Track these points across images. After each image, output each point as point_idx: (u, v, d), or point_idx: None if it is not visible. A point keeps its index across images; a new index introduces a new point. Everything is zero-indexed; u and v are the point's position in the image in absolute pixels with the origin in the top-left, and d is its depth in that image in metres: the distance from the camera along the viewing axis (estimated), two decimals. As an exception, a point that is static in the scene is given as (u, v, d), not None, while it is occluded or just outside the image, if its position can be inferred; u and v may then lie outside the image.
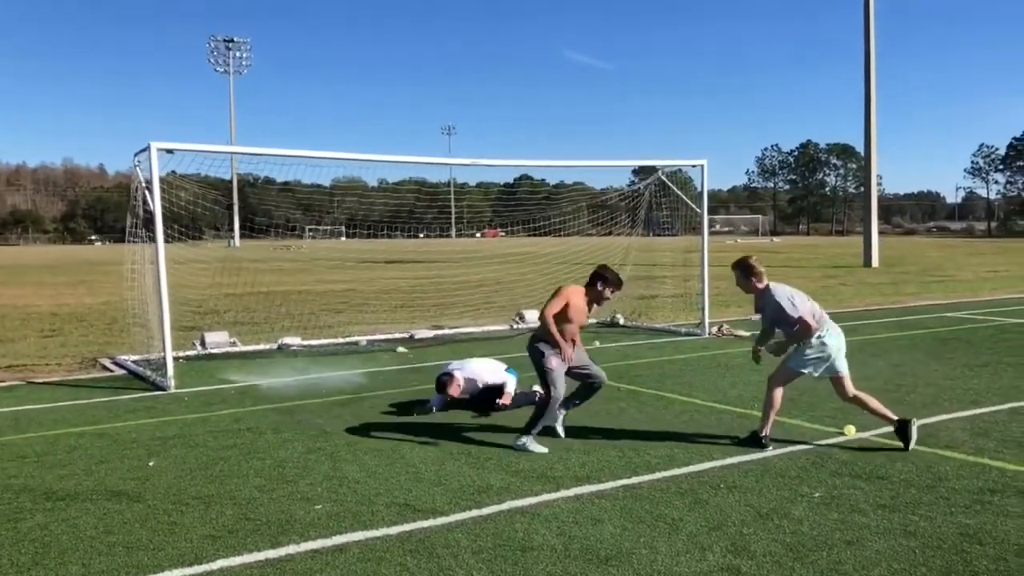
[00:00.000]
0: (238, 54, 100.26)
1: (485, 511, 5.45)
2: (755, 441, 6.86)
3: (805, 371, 6.80)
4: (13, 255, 74.61)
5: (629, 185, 19.05)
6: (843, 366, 6.83)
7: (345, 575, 4.47)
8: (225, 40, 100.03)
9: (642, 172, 18.64)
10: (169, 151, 10.50)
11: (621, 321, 15.74)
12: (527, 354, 7.29)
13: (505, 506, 5.54)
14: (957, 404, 8.34)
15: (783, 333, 6.90)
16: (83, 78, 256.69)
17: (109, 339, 14.88)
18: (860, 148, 45.05)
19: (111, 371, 11.50)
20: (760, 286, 6.93)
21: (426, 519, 5.30)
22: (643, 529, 5.06)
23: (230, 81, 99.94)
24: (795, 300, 6.72)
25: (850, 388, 6.90)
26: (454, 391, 8.35)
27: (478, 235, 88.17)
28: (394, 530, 5.12)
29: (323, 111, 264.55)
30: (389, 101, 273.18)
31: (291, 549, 4.84)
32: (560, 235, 21.19)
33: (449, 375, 8.45)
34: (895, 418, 6.79)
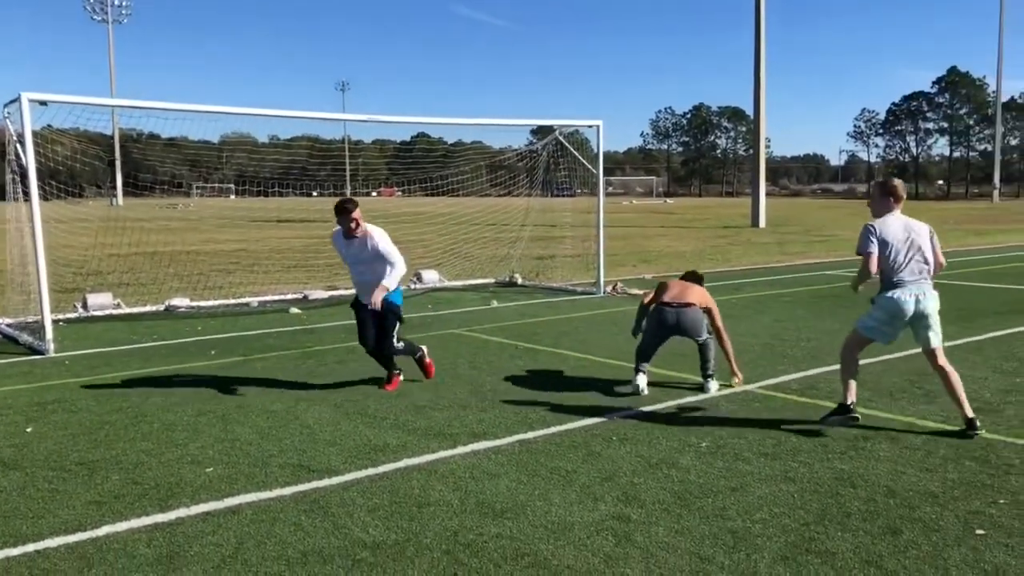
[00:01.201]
0: (116, 1, 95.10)
1: (381, 469, 5.44)
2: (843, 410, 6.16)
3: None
4: None
5: (527, 145, 19.10)
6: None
7: (238, 536, 4.40)
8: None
9: (540, 132, 18.70)
10: (42, 103, 9.92)
11: (519, 281, 15.85)
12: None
13: (401, 464, 5.55)
14: (836, 357, 8.74)
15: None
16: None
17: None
18: (750, 111, 46.26)
19: (-17, 335, 10.90)
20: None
21: (321, 479, 5.27)
22: (538, 482, 5.16)
23: (109, 31, 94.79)
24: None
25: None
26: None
27: (374, 194, 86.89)
28: (288, 490, 5.07)
29: (211, 65, 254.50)
30: (280, 55, 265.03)
31: (181, 512, 4.73)
32: (458, 195, 21.09)
33: None
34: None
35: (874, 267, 5.92)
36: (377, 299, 7.19)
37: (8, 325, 11.09)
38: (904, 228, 6.00)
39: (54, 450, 5.92)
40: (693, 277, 8.02)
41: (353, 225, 7.30)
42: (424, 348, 7.98)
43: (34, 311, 10.30)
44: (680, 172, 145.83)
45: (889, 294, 5.96)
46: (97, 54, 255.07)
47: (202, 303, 13.19)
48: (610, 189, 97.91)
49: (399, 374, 7.76)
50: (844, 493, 4.91)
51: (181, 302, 12.91)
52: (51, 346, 9.49)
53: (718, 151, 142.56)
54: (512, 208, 18.49)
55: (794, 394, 7.26)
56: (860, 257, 6.07)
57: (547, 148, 16.21)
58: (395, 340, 7.57)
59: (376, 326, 7.49)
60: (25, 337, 10.13)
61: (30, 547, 4.29)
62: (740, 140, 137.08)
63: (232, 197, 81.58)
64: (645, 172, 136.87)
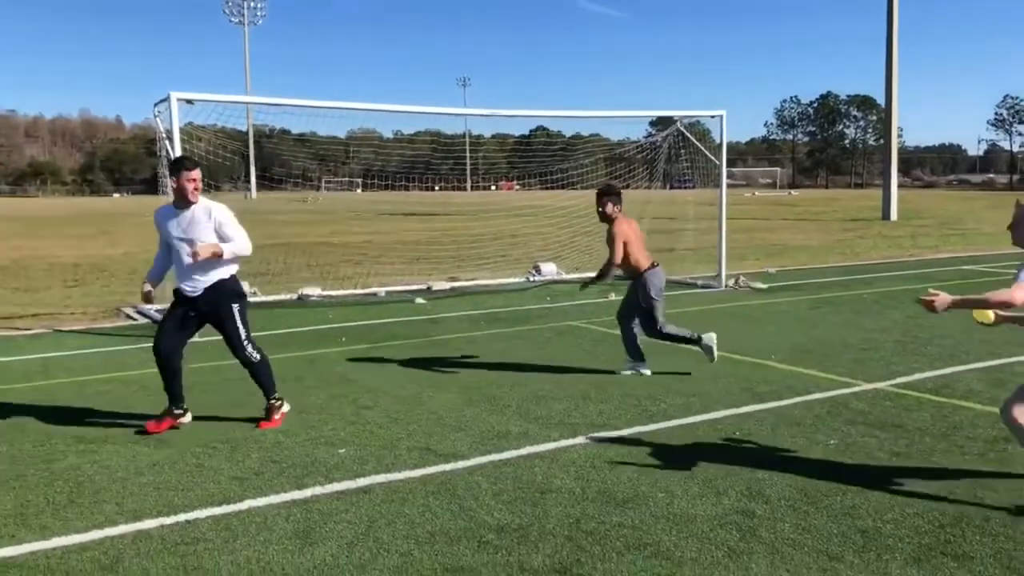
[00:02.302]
0: (253, 4, 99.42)
1: (505, 455, 5.56)
2: None
3: None
4: (33, 207, 75.13)
5: (646, 137, 18.95)
6: None
7: (370, 515, 4.59)
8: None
9: (660, 123, 18.55)
10: (189, 101, 10.55)
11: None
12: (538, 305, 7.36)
13: (524, 451, 5.65)
14: (973, 355, 8.35)
15: None
16: (99, 29, 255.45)
17: (131, 289, 15.04)
18: (881, 99, 44.36)
19: (134, 320, 11.68)
20: None
21: (447, 463, 5.43)
22: (659, 474, 5.16)
23: (245, 32, 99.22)
24: None
25: None
26: None
27: (493, 188, 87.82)
28: (416, 473, 5.25)
29: (338, 64, 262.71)
30: (403, 53, 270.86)
31: (316, 490, 4.98)
32: (577, 188, 21.07)
33: None
34: None
35: None
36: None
37: (157, 311, 11.82)
38: None
39: (199, 428, 6.31)
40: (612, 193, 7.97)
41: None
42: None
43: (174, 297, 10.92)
44: (805, 163, 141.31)
45: None
46: (233, 55, 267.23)
47: (332, 292, 13.72)
48: (732, 181, 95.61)
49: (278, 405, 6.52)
50: (983, 495, 4.71)
51: (313, 291, 13.46)
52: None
53: (846, 141, 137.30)
54: (631, 201, 18.38)
55: (928, 393, 6.98)
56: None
57: (668, 139, 16.03)
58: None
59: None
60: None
61: (181, 517, 4.61)
62: (870, 129, 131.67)
63: (359, 191, 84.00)
64: (769, 163, 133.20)
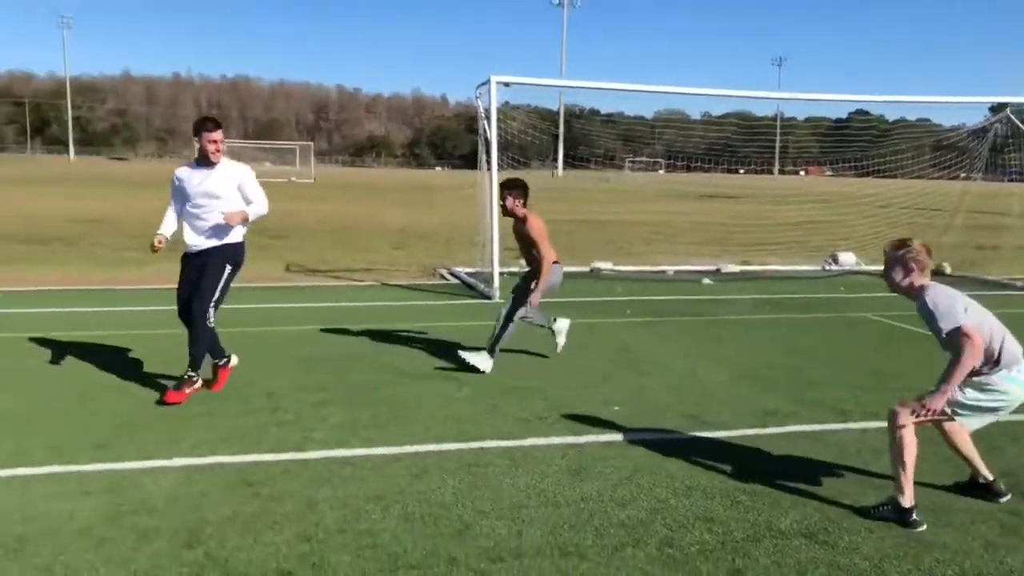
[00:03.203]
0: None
1: (768, 431, 5.80)
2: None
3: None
4: (369, 177, 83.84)
5: (981, 123, 17.47)
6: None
7: (634, 464, 5.08)
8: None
9: (999, 109, 16.98)
10: (506, 84, 11.55)
11: (947, 271, 14.74)
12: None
13: (788, 428, 5.85)
14: None
15: None
16: (431, 11, 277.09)
17: (447, 253, 16.70)
18: None
19: (447, 280, 13.07)
20: None
21: (712, 431, 5.77)
22: (926, 466, 5.12)
23: (563, 15, 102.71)
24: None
25: None
26: None
27: (801, 173, 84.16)
28: (681, 436, 5.66)
29: (652, 42, 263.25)
30: (718, 32, 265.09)
31: (590, 438, 5.56)
32: (894, 176, 19.94)
33: None
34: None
35: None
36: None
37: (467, 273, 13.14)
38: None
39: (494, 374, 7.15)
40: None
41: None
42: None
43: (486, 264, 12.10)
44: None
45: None
46: (551, 37, 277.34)
47: (623, 268, 14.34)
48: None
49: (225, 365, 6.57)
50: None
51: (604, 265, 14.17)
52: (497, 293, 11.15)
53: None
54: (946, 192, 17.13)
55: None
56: None
57: (995, 128, 14.75)
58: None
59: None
60: (480, 285, 11.96)
61: (475, 444, 5.39)
62: None
63: (661, 172, 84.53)
64: None
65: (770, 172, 74.74)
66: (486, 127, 11.57)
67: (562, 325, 7.77)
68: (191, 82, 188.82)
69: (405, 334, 8.79)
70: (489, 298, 11.13)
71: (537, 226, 7.25)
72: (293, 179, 61.83)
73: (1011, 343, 4.45)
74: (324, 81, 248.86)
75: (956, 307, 4.37)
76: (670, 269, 14.35)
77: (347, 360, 7.55)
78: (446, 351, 7.99)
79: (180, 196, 6.34)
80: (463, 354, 7.30)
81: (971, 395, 4.38)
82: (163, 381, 6.63)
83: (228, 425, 5.67)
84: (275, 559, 3.81)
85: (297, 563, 3.77)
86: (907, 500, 4.34)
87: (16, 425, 5.56)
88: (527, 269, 7.61)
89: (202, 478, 4.74)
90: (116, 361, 7.28)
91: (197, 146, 6.26)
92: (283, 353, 7.77)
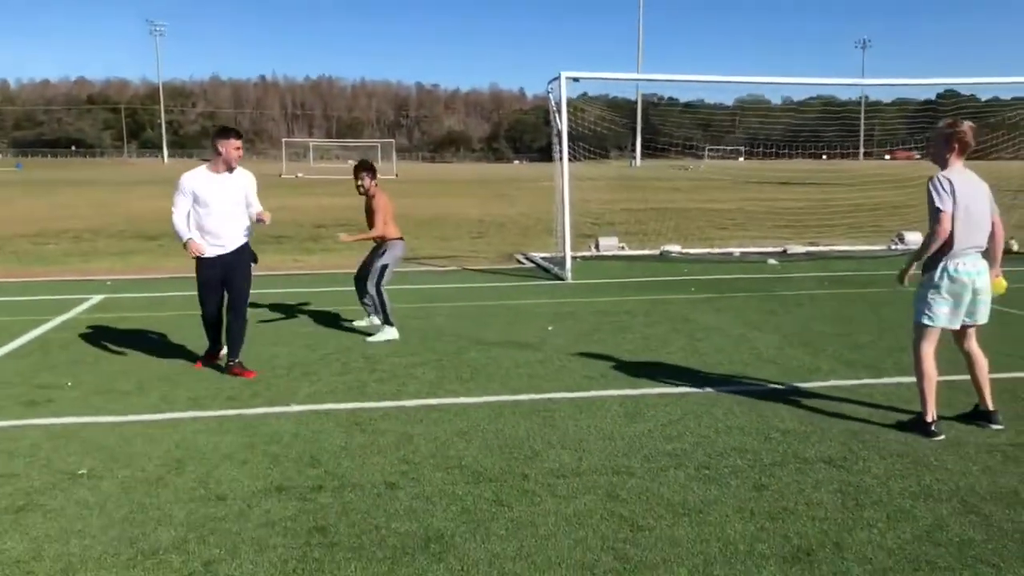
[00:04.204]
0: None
1: (809, 384, 6.48)
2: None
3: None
4: (448, 171, 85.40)
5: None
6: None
7: (683, 411, 5.84)
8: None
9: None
10: (576, 80, 12.33)
11: (1015, 248, 14.91)
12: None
13: (828, 383, 6.52)
14: None
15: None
16: (506, 6, 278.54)
17: (523, 241, 17.60)
18: None
19: (523, 264, 13.95)
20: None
21: (757, 386, 6.48)
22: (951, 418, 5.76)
23: (640, 4, 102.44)
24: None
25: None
26: None
27: (887, 157, 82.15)
28: (727, 388, 6.39)
29: (731, 28, 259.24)
30: (800, 15, 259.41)
31: (645, 391, 6.34)
32: (988, 159, 19.93)
33: None
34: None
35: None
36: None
37: (542, 258, 13.98)
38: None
39: (563, 342, 7.97)
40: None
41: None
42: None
43: (559, 249, 12.92)
44: None
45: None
46: (629, 25, 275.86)
47: (691, 250, 14.98)
48: None
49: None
50: None
51: (673, 248, 14.83)
52: (569, 275, 11.96)
53: None
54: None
55: None
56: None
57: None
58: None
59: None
60: (554, 268, 12.79)
61: (544, 395, 6.24)
62: None
63: (741, 159, 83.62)
64: None
65: (855, 157, 73.34)
66: (557, 120, 12.37)
67: (389, 333, 8.20)
68: (276, 84, 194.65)
69: (484, 310, 9.68)
70: (562, 279, 11.94)
71: (383, 203, 8.17)
72: (376, 175, 63.62)
73: (963, 236, 5.15)
74: (404, 79, 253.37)
75: (945, 196, 5.11)
76: (736, 251, 14.92)
77: (433, 332, 8.48)
78: (522, 324, 8.85)
79: (198, 202, 6.60)
80: (371, 339, 8.09)
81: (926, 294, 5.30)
82: (276, 348, 7.68)
83: (334, 381, 6.65)
84: (381, 474, 4.72)
85: (399, 477, 4.68)
86: (928, 415, 5.30)
87: (160, 383, 6.64)
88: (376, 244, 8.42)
89: (317, 420, 5.70)
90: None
91: (220, 153, 6.59)
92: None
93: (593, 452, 5.05)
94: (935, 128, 5.44)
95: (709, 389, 6.38)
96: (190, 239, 6.60)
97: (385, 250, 8.26)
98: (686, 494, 4.42)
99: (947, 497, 4.37)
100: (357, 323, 8.77)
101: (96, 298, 10.49)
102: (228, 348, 7.00)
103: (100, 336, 8.30)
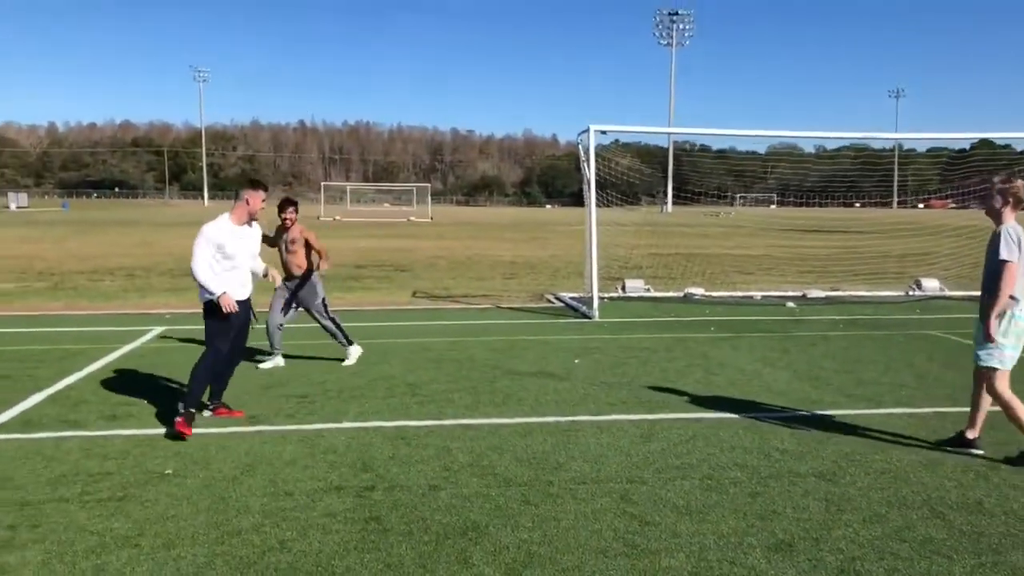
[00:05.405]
0: (681, 26, 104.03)
1: (811, 412, 7.12)
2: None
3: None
4: (482, 215, 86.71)
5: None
6: None
7: (694, 433, 6.51)
8: (670, 13, 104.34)
9: None
10: (603, 132, 13.16)
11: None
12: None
13: (827, 412, 7.15)
14: None
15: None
16: (540, 54, 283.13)
17: (553, 282, 18.36)
18: None
19: (553, 303, 14.69)
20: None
21: (764, 412, 7.13)
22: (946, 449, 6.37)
23: (672, 53, 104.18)
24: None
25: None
26: None
27: (920, 205, 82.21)
28: (737, 415, 7.04)
29: (762, 74, 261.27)
30: (831, 64, 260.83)
31: (661, 416, 7.00)
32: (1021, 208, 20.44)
33: None
34: None
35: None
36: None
37: (571, 298, 14.72)
38: None
39: (589, 373, 8.67)
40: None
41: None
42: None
43: (588, 290, 13.65)
44: None
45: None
46: (661, 74, 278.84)
47: (714, 293, 15.64)
48: None
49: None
50: None
51: (697, 291, 15.49)
52: (596, 313, 12.68)
53: None
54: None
55: None
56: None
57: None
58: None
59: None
60: (582, 307, 13.51)
61: (569, 418, 6.93)
62: None
63: (773, 207, 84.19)
64: None
65: (888, 205, 73.53)
66: (586, 169, 13.18)
67: (355, 352, 9.15)
68: (315, 128, 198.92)
69: (516, 344, 10.40)
70: (589, 318, 12.66)
71: (310, 232, 8.88)
72: (411, 218, 65.09)
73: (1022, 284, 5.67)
74: (439, 125, 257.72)
75: (1013, 247, 5.65)
76: (757, 294, 15.54)
77: (468, 363, 9.22)
78: (550, 357, 9.57)
79: (224, 254, 6.58)
80: (347, 363, 9.02)
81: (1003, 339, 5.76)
82: (326, 375, 8.46)
83: (380, 403, 7.40)
84: (425, 479, 5.44)
85: (441, 481, 5.39)
86: None
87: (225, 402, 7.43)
88: (295, 279, 8.91)
89: (366, 434, 6.44)
90: (288, 357, 9.17)
91: (247, 204, 6.67)
92: (416, 357, 9.50)
93: (610, 465, 5.73)
94: (991, 183, 5.90)
95: (719, 415, 7.04)
96: (224, 294, 6.54)
97: (311, 283, 8.91)
98: (690, 499, 5.09)
99: (919, 505, 5.00)
100: (262, 366, 8.86)
101: (157, 329, 11.39)
102: (219, 390, 7.12)
103: (164, 362, 9.14)
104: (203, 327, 6.84)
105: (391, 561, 4.23)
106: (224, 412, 7.03)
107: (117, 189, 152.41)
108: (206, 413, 6.98)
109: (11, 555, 4.28)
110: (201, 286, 6.56)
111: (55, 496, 5.10)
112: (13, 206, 79.88)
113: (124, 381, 8.26)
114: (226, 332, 6.76)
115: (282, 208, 8.85)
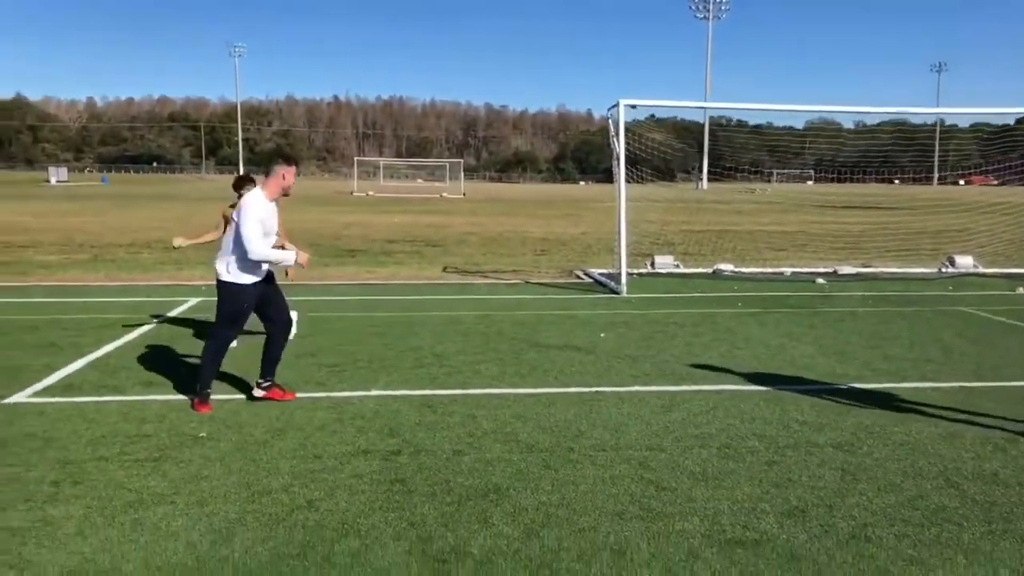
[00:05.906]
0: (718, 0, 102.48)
1: (835, 385, 7.17)
2: None
3: None
4: (515, 191, 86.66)
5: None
6: None
7: (715, 403, 6.60)
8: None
9: None
10: (633, 106, 13.16)
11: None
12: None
13: (850, 385, 7.20)
14: None
15: None
16: (573, 29, 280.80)
17: (584, 259, 18.42)
18: None
19: (582, 279, 14.77)
20: None
21: (787, 385, 7.19)
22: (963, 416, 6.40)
23: (708, 27, 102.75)
24: None
25: None
26: None
27: (961, 182, 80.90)
28: (757, 388, 7.12)
29: (802, 48, 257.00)
30: (872, 38, 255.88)
31: (683, 387, 7.11)
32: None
33: None
34: None
35: None
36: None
37: (600, 274, 14.79)
38: None
39: (614, 347, 8.77)
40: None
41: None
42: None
43: (616, 266, 13.71)
44: None
45: None
46: (697, 48, 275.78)
47: (743, 269, 15.62)
48: None
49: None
50: None
51: (726, 267, 15.49)
52: (624, 289, 12.75)
53: None
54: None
55: None
56: None
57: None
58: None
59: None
60: (610, 283, 13.58)
61: (591, 389, 7.06)
62: None
63: (810, 183, 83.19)
64: None
65: (928, 182, 72.31)
66: (615, 144, 13.20)
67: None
68: (349, 103, 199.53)
69: (543, 318, 10.53)
70: (618, 293, 12.73)
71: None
72: (444, 194, 65.26)
73: None
74: (473, 100, 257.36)
75: None
76: (787, 271, 15.50)
77: (496, 336, 9.36)
78: (577, 331, 9.68)
79: (266, 229, 6.40)
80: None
81: None
82: (356, 346, 8.66)
83: (408, 373, 7.58)
84: (450, 444, 5.60)
85: (465, 447, 5.55)
86: None
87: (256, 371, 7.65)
88: None
89: (394, 402, 6.62)
90: (321, 328, 9.38)
91: (282, 181, 6.42)
92: (445, 329, 9.67)
93: (630, 433, 5.86)
94: None
95: (741, 387, 7.13)
96: (299, 251, 6.58)
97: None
98: (706, 467, 5.20)
99: (934, 476, 5.06)
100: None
101: (193, 300, 11.67)
102: (271, 368, 6.76)
103: (199, 332, 9.39)
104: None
105: (414, 520, 4.40)
106: (277, 394, 6.67)
107: (155, 164, 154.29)
108: (258, 393, 6.68)
109: (55, 509, 4.51)
110: (274, 263, 6.52)
111: (95, 456, 5.34)
112: (54, 180, 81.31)
113: (160, 350, 8.51)
114: (237, 320, 6.60)
115: (239, 185, 8.26)
